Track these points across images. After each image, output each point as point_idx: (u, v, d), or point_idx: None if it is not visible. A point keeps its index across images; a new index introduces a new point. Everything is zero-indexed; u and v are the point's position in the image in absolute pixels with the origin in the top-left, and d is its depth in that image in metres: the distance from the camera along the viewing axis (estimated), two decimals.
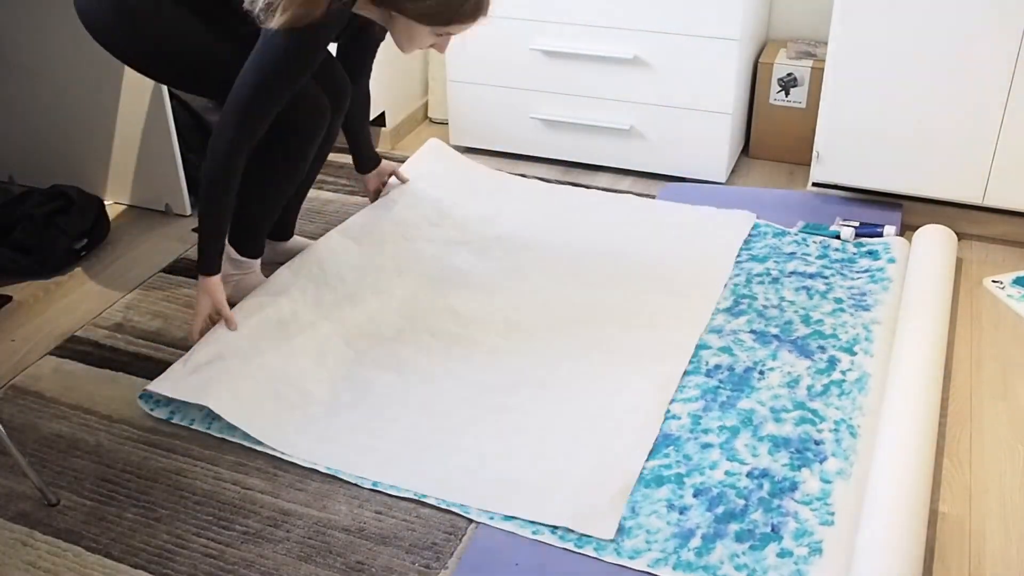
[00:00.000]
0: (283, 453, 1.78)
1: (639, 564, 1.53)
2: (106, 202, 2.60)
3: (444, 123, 3.17)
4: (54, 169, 2.71)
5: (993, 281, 2.24)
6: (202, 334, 1.96)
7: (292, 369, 1.94)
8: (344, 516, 1.66)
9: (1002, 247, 2.40)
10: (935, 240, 2.24)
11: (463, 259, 2.34)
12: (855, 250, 2.32)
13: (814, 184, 2.53)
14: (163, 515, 1.67)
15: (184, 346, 2.08)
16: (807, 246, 2.35)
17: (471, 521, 1.63)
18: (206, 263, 1.92)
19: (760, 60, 2.76)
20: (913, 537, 1.47)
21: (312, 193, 2.70)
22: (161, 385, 1.86)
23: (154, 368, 2.03)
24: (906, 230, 2.45)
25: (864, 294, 2.14)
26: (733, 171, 2.81)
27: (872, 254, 2.30)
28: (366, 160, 2.44)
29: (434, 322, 2.12)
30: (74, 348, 2.11)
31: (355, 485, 1.72)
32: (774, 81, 2.75)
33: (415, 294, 2.21)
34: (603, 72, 2.68)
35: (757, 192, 2.61)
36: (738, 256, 2.33)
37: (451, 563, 1.56)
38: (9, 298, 2.30)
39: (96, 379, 2.01)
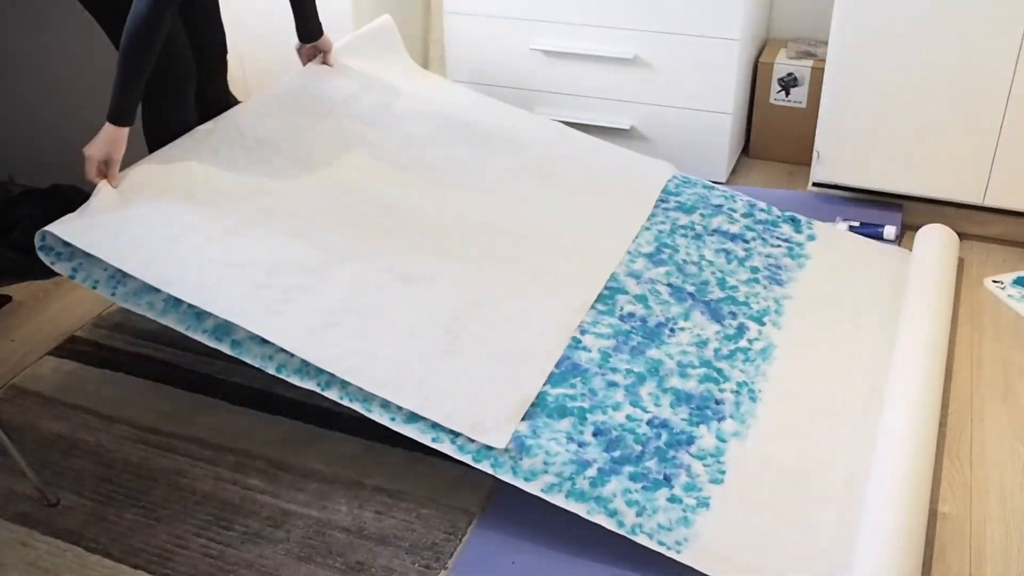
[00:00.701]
0: (184, 296, 1.70)
1: (533, 487, 1.55)
2: None
3: None
4: (54, 169, 2.70)
5: (993, 281, 2.24)
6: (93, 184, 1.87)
7: (197, 221, 1.84)
8: (344, 516, 1.66)
9: (1002, 247, 2.40)
10: (937, 240, 2.24)
11: (387, 143, 2.27)
12: (779, 213, 2.36)
13: (814, 184, 2.53)
14: (163, 515, 1.67)
15: (183, 345, 2.08)
16: (734, 201, 2.39)
17: (470, 521, 1.63)
18: (120, 111, 1.83)
19: (760, 60, 2.76)
20: (912, 538, 1.47)
21: None
22: (58, 228, 1.76)
23: (154, 368, 2.03)
24: (907, 230, 2.45)
25: (780, 268, 2.18)
26: (733, 171, 2.81)
27: (794, 222, 2.34)
28: (306, 29, 2.33)
29: (351, 200, 2.06)
30: (74, 348, 2.11)
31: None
32: (774, 81, 2.75)
33: (333, 169, 2.14)
34: (603, 72, 2.68)
35: (757, 192, 2.61)
36: (665, 201, 2.35)
37: (451, 563, 1.56)
38: (9, 298, 2.29)
39: (96, 379, 2.01)
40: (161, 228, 1.80)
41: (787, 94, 2.75)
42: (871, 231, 2.37)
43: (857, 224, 2.39)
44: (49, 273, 2.39)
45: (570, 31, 2.67)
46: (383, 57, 2.56)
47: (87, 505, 1.69)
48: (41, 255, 1.81)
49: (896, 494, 1.53)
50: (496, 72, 2.80)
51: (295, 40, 2.34)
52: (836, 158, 2.44)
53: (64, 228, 1.76)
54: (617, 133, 2.75)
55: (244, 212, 1.91)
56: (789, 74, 2.73)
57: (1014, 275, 2.26)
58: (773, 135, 2.83)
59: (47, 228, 1.76)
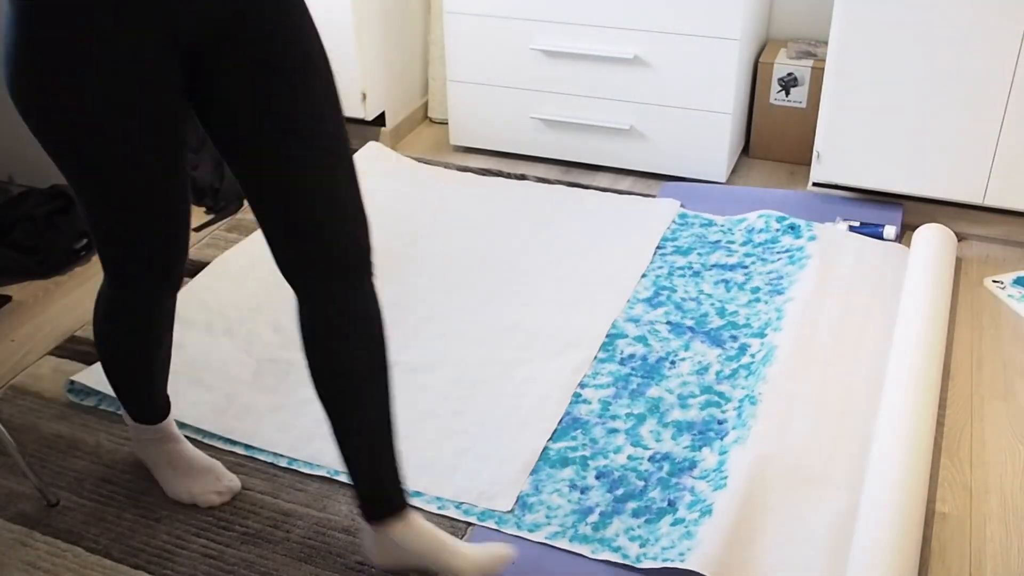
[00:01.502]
0: (204, 432, 1.84)
1: (537, 537, 1.58)
2: None
3: (444, 123, 3.17)
4: (54, 169, 2.70)
5: (993, 281, 2.24)
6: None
7: (215, 358, 2.01)
8: (344, 516, 1.66)
9: (1002, 247, 2.40)
10: (934, 240, 2.24)
11: (389, 247, 2.41)
12: (778, 226, 2.37)
13: (814, 184, 2.53)
14: (163, 516, 1.67)
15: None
16: (732, 234, 2.40)
17: (469, 524, 1.63)
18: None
19: (760, 60, 2.76)
20: (910, 537, 1.47)
21: None
22: (87, 376, 1.95)
23: None
24: (906, 230, 2.45)
25: (781, 277, 2.20)
26: (733, 171, 2.81)
27: (794, 229, 2.35)
28: None
29: None
30: (74, 348, 2.11)
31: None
32: (774, 81, 2.75)
33: None
34: (603, 72, 2.68)
35: (757, 192, 2.61)
36: (663, 248, 2.37)
37: None
38: (9, 298, 2.30)
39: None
40: (190, 378, 1.96)
41: (787, 94, 2.75)
42: (871, 231, 2.37)
43: (857, 224, 2.39)
44: (49, 273, 2.39)
45: (570, 31, 2.67)
46: (383, 170, 2.77)
47: (87, 505, 1.69)
48: (69, 395, 1.95)
49: (892, 494, 1.53)
50: (496, 72, 2.80)
51: None
52: (836, 158, 2.44)
53: (102, 379, 1.92)
54: (617, 133, 2.75)
55: (264, 354, 2.04)
56: (789, 74, 2.73)
57: (1014, 275, 2.26)
58: (773, 135, 2.83)
59: (78, 379, 1.94)
